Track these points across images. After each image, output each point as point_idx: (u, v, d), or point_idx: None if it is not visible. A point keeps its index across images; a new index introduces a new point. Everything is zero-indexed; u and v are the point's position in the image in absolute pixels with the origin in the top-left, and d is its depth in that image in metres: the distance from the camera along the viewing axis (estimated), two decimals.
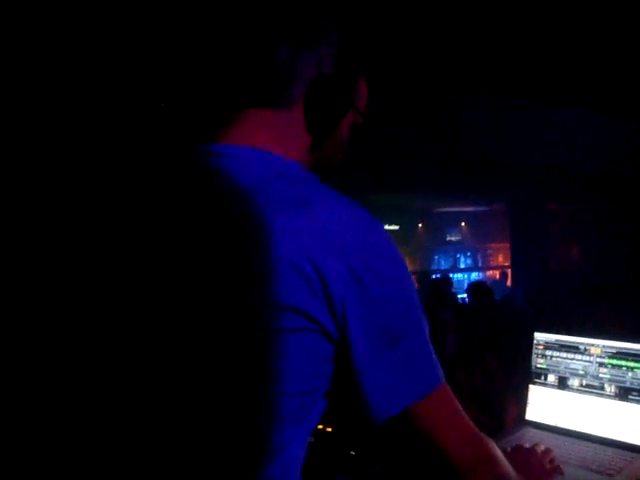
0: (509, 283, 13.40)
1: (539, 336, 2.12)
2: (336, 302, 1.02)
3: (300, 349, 1.03)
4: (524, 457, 1.67)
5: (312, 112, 1.21)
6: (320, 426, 2.06)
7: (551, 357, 2.08)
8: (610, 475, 1.72)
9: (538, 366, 2.10)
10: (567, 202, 12.00)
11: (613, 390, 1.93)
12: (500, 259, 16.37)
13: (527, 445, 1.75)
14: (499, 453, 1.20)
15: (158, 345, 1.07)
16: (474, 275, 15.12)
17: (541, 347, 2.11)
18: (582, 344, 2.02)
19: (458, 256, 16.80)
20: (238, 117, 1.19)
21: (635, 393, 1.89)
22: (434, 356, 1.12)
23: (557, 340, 2.08)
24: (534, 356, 2.11)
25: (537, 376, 2.10)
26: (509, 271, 13.76)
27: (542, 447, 1.74)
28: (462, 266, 16.67)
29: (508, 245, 13.60)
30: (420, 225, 15.96)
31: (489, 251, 17.02)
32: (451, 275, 15.07)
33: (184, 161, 1.16)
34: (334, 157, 1.30)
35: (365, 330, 1.05)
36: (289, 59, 1.18)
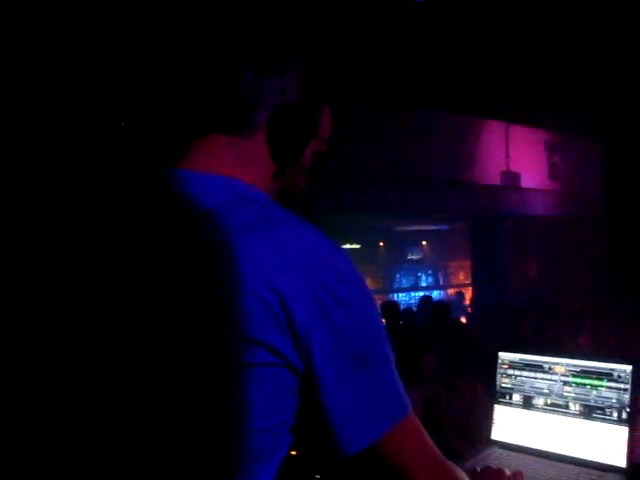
0: (467, 302, 13.50)
1: (503, 355, 2.12)
2: (300, 332, 1.00)
3: (267, 384, 1.01)
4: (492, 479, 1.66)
5: (275, 140, 1.19)
6: None
7: (515, 376, 2.07)
8: None
9: (503, 385, 2.10)
10: (524, 219, 12.14)
11: (578, 409, 1.93)
12: (461, 277, 16.48)
13: (494, 465, 1.74)
14: None
15: (126, 378, 1.04)
16: (435, 293, 15.18)
17: (505, 366, 2.10)
18: (546, 363, 2.02)
19: (419, 274, 16.88)
20: (201, 142, 1.17)
21: (600, 411, 1.89)
22: (400, 384, 1.11)
23: (521, 359, 2.07)
24: (499, 376, 2.11)
25: (502, 395, 2.09)
26: (467, 289, 13.86)
27: (512, 469, 1.73)
28: (423, 284, 16.74)
29: (469, 263, 13.70)
30: (381, 244, 16.01)
31: (450, 269, 17.14)
32: (412, 293, 15.16)
33: (148, 187, 1.14)
34: (297, 184, 1.29)
35: (330, 360, 1.02)
36: (253, 84, 1.16)
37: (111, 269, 1.08)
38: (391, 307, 7.82)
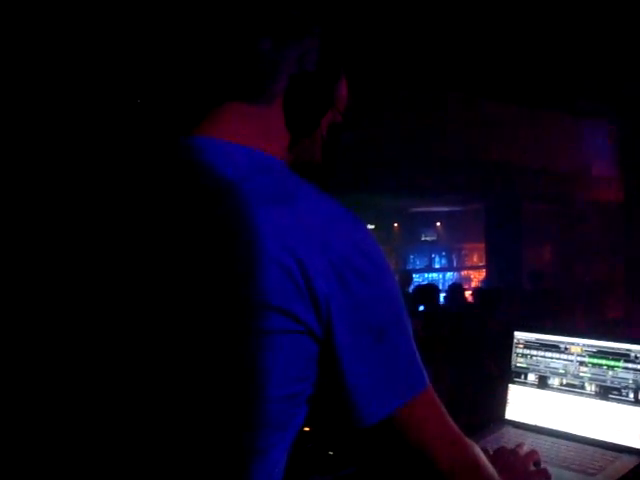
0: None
1: (519, 335, 2.10)
2: (321, 301, 1.00)
3: (287, 351, 1.01)
4: (507, 459, 1.65)
5: (292, 109, 1.19)
6: None
7: (531, 356, 2.06)
8: (592, 474, 1.70)
9: (518, 365, 2.08)
10: (541, 202, 12.06)
11: (594, 389, 1.92)
12: (475, 259, 16.44)
13: (509, 445, 1.73)
14: (484, 459, 1.19)
15: (146, 345, 1.04)
16: (449, 275, 15.17)
17: (521, 346, 2.09)
18: (562, 343, 2.00)
19: (433, 256, 16.85)
20: (220, 110, 1.17)
21: (616, 392, 1.87)
22: (419, 358, 1.11)
23: (537, 339, 2.06)
24: (514, 355, 2.09)
25: (517, 375, 2.08)
26: (481, 271, 13.78)
27: (525, 448, 1.72)
28: (437, 266, 16.72)
29: (483, 245, 13.65)
30: (396, 225, 15.98)
31: (464, 251, 17.09)
32: (426, 275, 15.13)
33: (166, 156, 1.14)
34: (313, 156, 1.29)
35: (350, 329, 1.03)
36: (271, 52, 1.16)
37: (133, 239, 1.09)
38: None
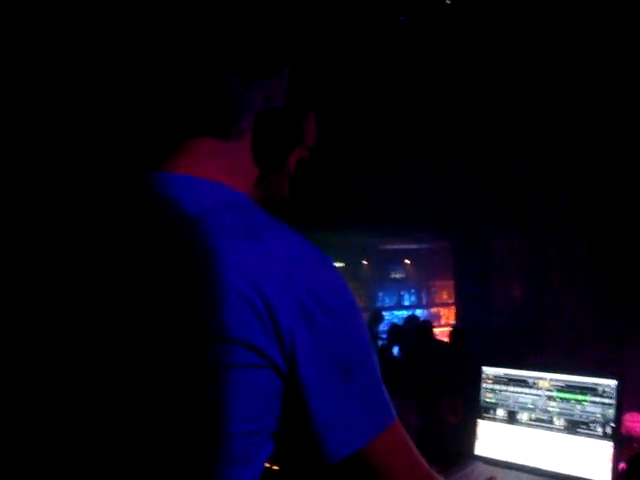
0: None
1: (487, 370, 2.11)
2: (285, 335, 0.99)
3: (250, 386, 1.00)
4: None
5: (260, 145, 1.19)
6: (266, 464, 2.00)
7: (500, 391, 2.06)
8: None
9: (487, 400, 2.08)
10: (509, 239, 12.17)
11: (562, 423, 1.92)
12: (444, 296, 16.50)
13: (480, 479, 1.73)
14: None
15: (107, 378, 1.02)
16: (419, 312, 15.18)
17: (490, 381, 2.09)
18: (530, 378, 2.01)
19: (402, 293, 16.88)
20: (186, 146, 1.17)
21: (584, 426, 1.88)
22: (385, 393, 1.10)
23: (505, 374, 2.06)
24: (482, 390, 2.10)
25: (486, 410, 2.08)
26: (450, 308, 13.84)
27: None
28: (407, 303, 16.74)
29: (452, 282, 13.71)
30: (365, 262, 16.01)
31: (433, 288, 17.15)
32: (396, 312, 15.14)
33: (130, 191, 1.13)
34: (280, 191, 1.29)
35: (315, 365, 1.02)
36: (239, 89, 1.17)
37: (95, 275, 1.07)
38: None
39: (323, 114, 1.41)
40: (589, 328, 8.73)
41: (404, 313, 12.90)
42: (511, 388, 2.04)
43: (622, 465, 2.91)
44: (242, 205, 1.13)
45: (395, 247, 15.72)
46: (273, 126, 1.19)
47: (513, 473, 1.93)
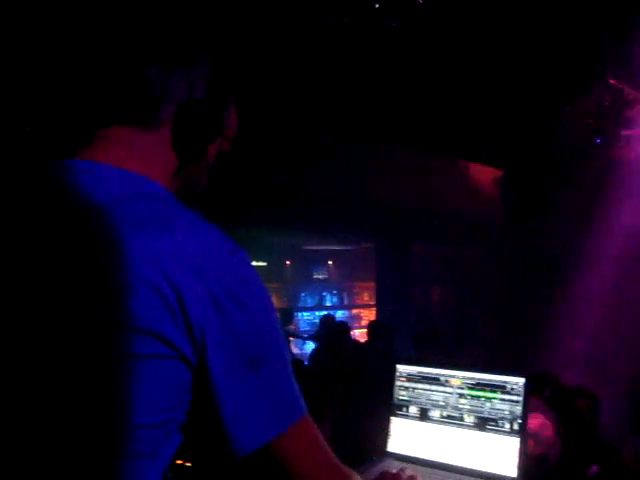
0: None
1: (401, 368, 2.14)
2: (195, 327, 0.99)
3: (157, 377, 0.99)
4: None
5: (179, 135, 1.19)
6: (179, 461, 1.99)
7: (413, 389, 2.09)
8: None
9: (400, 398, 2.11)
10: (432, 244, 12.37)
11: (472, 420, 1.97)
12: (365, 297, 16.63)
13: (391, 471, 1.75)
14: None
15: (10, 365, 1.00)
16: (340, 313, 15.29)
17: (403, 379, 2.12)
18: (443, 375, 2.05)
19: (324, 294, 16.95)
20: (105, 134, 1.16)
21: (493, 423, 1.93)
22: (296, 387, 1.11)
23: (419, 372, 2.10)
24: (396, 388, 2.12)
25: (399, 408, 2.11)
26: (371, 310, 13.96)
27: (408, 471, 1.74)
28: (328, 304, 16.82)
29: (373, 284, 13.84)
30: (288, 262, 16.02)
31: (355, 290, 17.27)
32: (317, 313, 15.20)
33: (40, 179, 1.11)
34: (198, 183, 1.29)
35: (225, 357, 1.02)
36: (159, 78, 1.16)
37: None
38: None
39: (247, 108, 1.41)
40: (500, 333, 8.98)
41: (325, 313, 12.93)
42: (424, 386, 2.07)
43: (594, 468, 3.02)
44: (155, 194, 1.12)
45: (318, 248, 15.78)
46: (192, 116, 1.18)
47: (424, 469, 1.96)
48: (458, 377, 2.02)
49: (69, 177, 1.08)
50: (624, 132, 8.55)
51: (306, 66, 5.49)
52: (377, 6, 4.96)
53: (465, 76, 6.24)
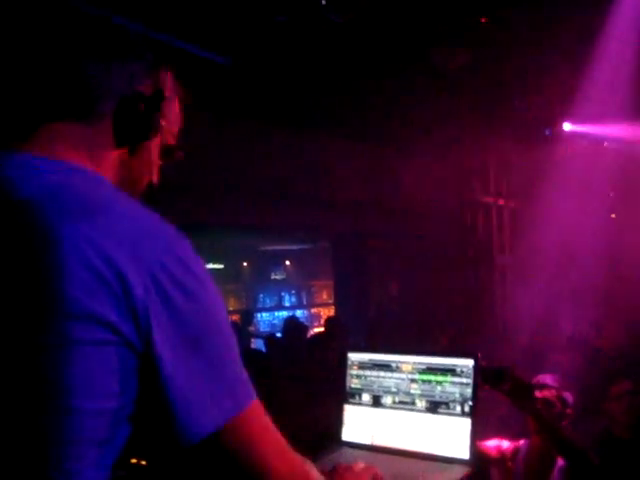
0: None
1: (352, 356, 2.14)
2: (140, 311, 0.99)
3: (101, 362, 0.98)
4: (343, 475, 1.65)
5: (120, 129, 1.18)
6: (134, 460, 1.97)
7: (365, 376, 2.10)
8: None
9: (352, 386, 2.12)
10: (387, 238, 12.41)
11: (424, 404, 1.98)
12: (324, 296, 16.64)
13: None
14: (315, 473, 1.20)
15: None
16: (299, 313, 15.27)
17: (355, 367, 2.12)
18: (394, 362, 2.05)
19: (283, 294, 16.92)
20: (46, 128, 1.14)
21: (444, 406, 1.94)
22: (245, 373, 1.10)
23: (370, 359, 2.10)
24: (348, 376, 2.13)
25: (352, 396, 2.11)
26: (330, 308, 13.96)
27: (362, 465, 1.73)
28: (287, 304, 16.80)
29: (332, 282, 13.83)
30: (245, 264, 15.94)
31: (313, 289, 17.28)
32: (276, 313, 15.20)
33: None
34: (142, 177, 1.28)
35: (170, 341, 1.01)
36: (98, 73, 1.15)
37: None
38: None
39: (194, 103, 1.40)
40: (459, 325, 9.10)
41: (284, 314, 12.95)
42: (375, 373, 2.08)
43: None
44: (93, 184, 1.11)
45: (275, 248, 15.75)
46: (132, 110, 1.18)
47: (378, 456, 1.96)
48: (409, 362, 2.03)
49: (9, 170, 1.07)
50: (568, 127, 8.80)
51: (255, 58, 5.49)
52: None
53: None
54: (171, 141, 1.30)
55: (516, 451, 3.48)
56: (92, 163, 1.15)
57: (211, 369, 1.05)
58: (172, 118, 1.29)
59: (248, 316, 10.17)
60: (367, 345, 6.49)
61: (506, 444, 3.53)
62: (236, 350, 1.10)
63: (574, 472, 3.10)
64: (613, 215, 10.88)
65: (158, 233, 1.06)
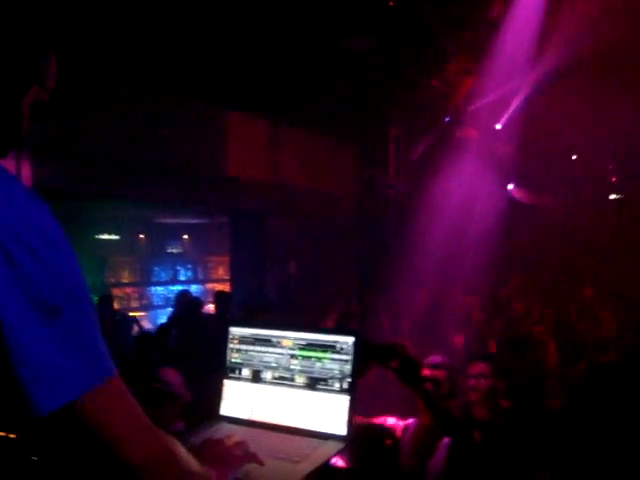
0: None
1: (234, 330, 2.11)
2: None
3: None
4: (213, 449, 1.63)
5: None
6: (2, 433, 1.90)
7: (246, 351, 2.08)
8: (296, 462, 1.74)
9: (233, 360, 2.09)
10: (287, 218, 12.42)
11: (303, 381, 1.97)
12: (220, 272, 16.50)
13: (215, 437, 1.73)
14: (179, 449, 1.18)
15: None
16: (194, 288, 15.08)
17: (236, 341, 2.10)
18: (275, 337, 2.04)
19: (178, 268, 16.67)
20: None
21: (323, 382, 1.94)
22: (103, 346, 1.07)
23: (252, 334, 2.08)
24: (229, 351, 2.10)
25: (232, 370, 2.09)
26: (226, 284, 13.88)
27: (235, 438, 1.72)
28: (182, 278, 16.57)
29: (228, 259, 13.74)
30: (141, 236, 15.61)
31: (210, 264, 17.11)
32: (171, 287, 14.96)
33: None
34: (13, 134, 1.21)
35: (18, 309, 0.97)
36: None
37: None
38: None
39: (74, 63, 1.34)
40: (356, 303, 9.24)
41: (179, 288, 12.75)
42: (256, 347, 2.06)
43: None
44: None
45: (172, 221, 15.49)
46: (5, 63, 1.11)
47: (255, 431, 1.95)
48: (290, 338, 2.02)
49: None
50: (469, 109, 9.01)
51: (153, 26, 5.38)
52: None
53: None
54: (45, 98, 1.24)
55: (405, 429, 3.54)
56: None
57: (64, 339, 1.01)
58: (49, 73, 1.23)
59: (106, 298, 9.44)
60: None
61: (392, 421, 3.60)
62: (95, 322, 1.07)
63: (457, 449, 3.18)
64: None
65: (9, 198, 1.01)
